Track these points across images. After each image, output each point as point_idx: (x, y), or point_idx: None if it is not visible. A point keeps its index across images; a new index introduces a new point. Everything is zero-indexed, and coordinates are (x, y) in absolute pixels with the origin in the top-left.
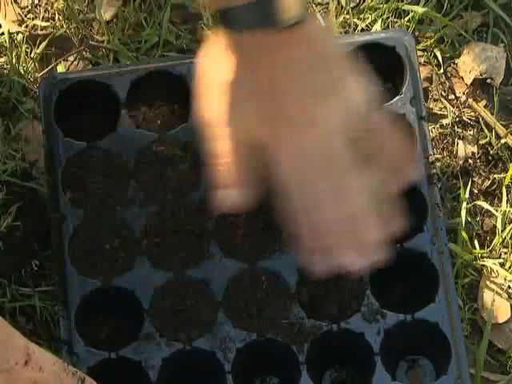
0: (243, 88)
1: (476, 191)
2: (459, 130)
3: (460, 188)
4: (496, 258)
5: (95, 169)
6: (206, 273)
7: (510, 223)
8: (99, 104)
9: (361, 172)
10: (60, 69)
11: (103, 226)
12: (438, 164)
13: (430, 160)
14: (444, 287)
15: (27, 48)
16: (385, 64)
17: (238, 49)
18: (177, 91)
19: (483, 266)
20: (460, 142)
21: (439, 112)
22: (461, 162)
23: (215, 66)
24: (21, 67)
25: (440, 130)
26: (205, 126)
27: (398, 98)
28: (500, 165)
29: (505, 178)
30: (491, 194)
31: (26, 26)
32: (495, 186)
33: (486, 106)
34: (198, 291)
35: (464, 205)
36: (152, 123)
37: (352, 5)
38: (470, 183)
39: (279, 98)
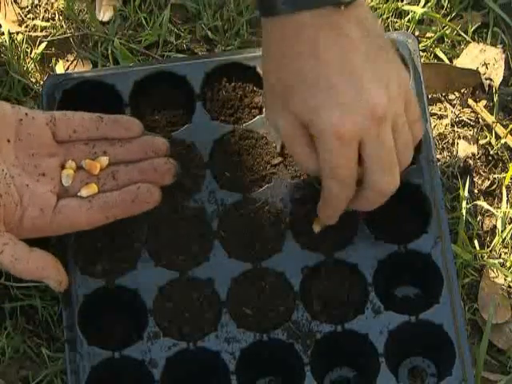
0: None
1: (476, 191)
2: (459, 130)
3: (460, 188)
4: (496, 258)
5: None
6: (210, 273)
7: (510, 223)
8: (102, 104)
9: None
10: (60, 69)
11: (106, 225)
12: (438, 164)
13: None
14: (448, 288)
15: (27, 48)
16: None
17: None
18: (180, 92)
19: (483, 265)
20: (460, 142)
21: (439, 112)
22: (461, 162)
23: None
24: (21, 67)
25: (440, 130)
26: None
27: None
28: (500, 165)
29: (505, 178)
30: (491, 194)
31: (26, 26)
32: (495, 186)
33: (485, 106)
34: (202, 291)
35: (464, 205)
36: (155, 124)
37: None
38: (469, 183)
39: (352, 81)
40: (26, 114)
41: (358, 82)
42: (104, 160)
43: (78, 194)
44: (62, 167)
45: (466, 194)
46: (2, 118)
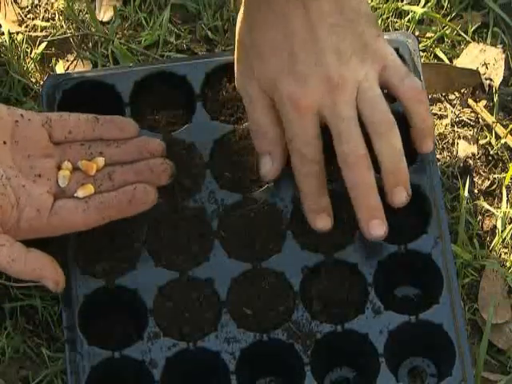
0: (273, 44)
1: (476, 191)
2: (459, 130)
3: (460, 188)
4: (496, 258)
5: None
6: (210, 273)
7: (510, 223)
8: (102, 104)
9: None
10: (60, 69)
11: (106, 225)
12: (438, 164)
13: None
14: (448, 288)
15: (27, 48)
16: None
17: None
18: (180, 92)
19: (483, 266)
20: (460, 142)
21: (439, 112)
22: (461, 162)
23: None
24: (21, 67)
25: (440, 130)
26: (240, 89)
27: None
28: (500, 165)
29: (505, 178)
30: (491, 194)
31: (26, 26)
32: (495, 186)
33: (485, 106)
34: (202, 291)
35: (464, 205)
36: (156, 124)
37: None
38: (469, 183)
39: (313, 52)
40: (22, 115)
41: (318, 52)
42: (100, 161)
43: (75, 194)
44: (59, 168)
45: (466, 194)
46: None
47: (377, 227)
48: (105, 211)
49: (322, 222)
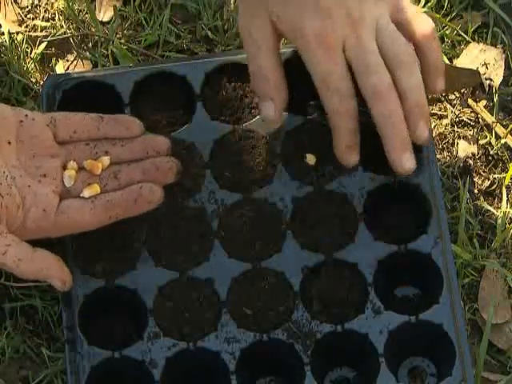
0: None
1: (476, 191)
2: (459, 130)
3: (460, 188)
4: (496, 258)
5: None
6: (210, 273)
7: (510, 223)
8: (102, 104)
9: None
10: (60, 69)
11: (106, 225)
12: (438, 164)
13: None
14: (448, 288)
15: (27, 48)
16: None
17: None
18: (180, 92)
19: (483, 266)
20: (460, 142)
21: (439, 112)
22: (461, 162)
23: None
24: (21, 67)
25: (440, 130)
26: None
27: None
28: (500, 165)
29: (505, 178)
30: (491, 194)
31: (26, 26)
32: (495, 186)
33: (485, 106)
34: (202, 291)
35: (464, 205)
36: (155, 124)
37: None
38: (469, 183)
39: None
40: (26, 115)
41: None
42: (106, 160)
43: (81, 194)
44: (64, 168)
45: (466, 194)
46: (2, 120)
47: (410, 160)
48: (111, 210)
49: (355, 157)
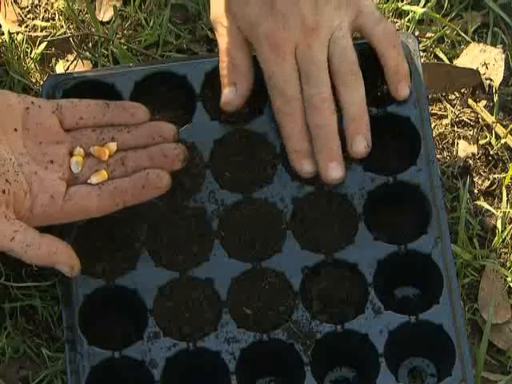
0: None
1: (476, 191)
2: (459, 130)
3: (460, 188)
4: (496, 258)
5: None
6: (210, 273)
7: (510, 223)
8: None
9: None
10: (60, 69)
11: (106, 225)
12: (438, 164)
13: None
14: (448, 288)
15: (27, 48)
16: None
17: None
18: (180, 92)
19: (483, 266)
20: (460, 142)
21: (439, 112)
22: (461, 162)
23: None
24: (21, 67)
25: (440, 130)
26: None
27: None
28: (500, 165)
29: (505, 178)
30: (491, 194)
31: (26, 26)
32: (495, 186)
33: (485, 106)
34: (202, 291)
35: (464, 205)
36: None
37: None
38: (469, 183)
39: None
40: (33, 102)
41: None
42: (112, 146)
43: (88, 180)
44: (71, 154)
45: (466, 194)
46: (8, 107)
47: (336, 169)
48: (118, 197)
49: (307, 167)
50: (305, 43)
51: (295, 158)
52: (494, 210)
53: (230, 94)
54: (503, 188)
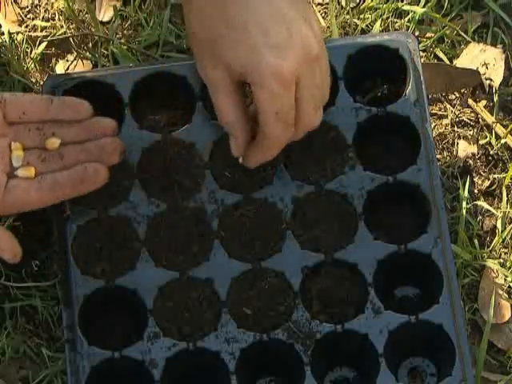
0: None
1: (476, 191)
2: (459, 130)
3: (460, 188)
4: (496, 258)
5: None
6: (210, 273)
7: (510, 223)
8: (102, 104)
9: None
10: (60, 69)
11: (106, 226)
12: (438, 164)
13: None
14: (448, 288)
15: (27, 48)
16: (388, 66)
17: None
18: (180, 92)
19: (483, 266)
20: (460, 142)
21: (439, 112)
22: (461, 162)
23: None
24: (21, 67)
25: (440, 130)
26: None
27: (401, 99)
28: (500, 165)
29: (505, 178)
30: (491, 194)
31: (26, 26)
32: (495, 186)
33: (485, 106)
34: (202, 291)
35: (464, 205)
36: (156, 124)
37: (352, 5)
38: (469, 183)
39: (284, 23)
40: None
41: (289, 24)
42: (53, 141)
43: (15, 172)
44: (12, 148)
45: (466, 194)
46: None
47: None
48: (58, 190)
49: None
50: (310, 71)
51: (254, 162)
52: (494, 210)
53: (231, 146)
54: (503, 188)
